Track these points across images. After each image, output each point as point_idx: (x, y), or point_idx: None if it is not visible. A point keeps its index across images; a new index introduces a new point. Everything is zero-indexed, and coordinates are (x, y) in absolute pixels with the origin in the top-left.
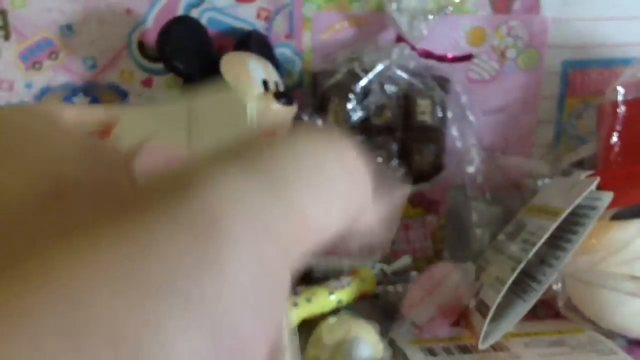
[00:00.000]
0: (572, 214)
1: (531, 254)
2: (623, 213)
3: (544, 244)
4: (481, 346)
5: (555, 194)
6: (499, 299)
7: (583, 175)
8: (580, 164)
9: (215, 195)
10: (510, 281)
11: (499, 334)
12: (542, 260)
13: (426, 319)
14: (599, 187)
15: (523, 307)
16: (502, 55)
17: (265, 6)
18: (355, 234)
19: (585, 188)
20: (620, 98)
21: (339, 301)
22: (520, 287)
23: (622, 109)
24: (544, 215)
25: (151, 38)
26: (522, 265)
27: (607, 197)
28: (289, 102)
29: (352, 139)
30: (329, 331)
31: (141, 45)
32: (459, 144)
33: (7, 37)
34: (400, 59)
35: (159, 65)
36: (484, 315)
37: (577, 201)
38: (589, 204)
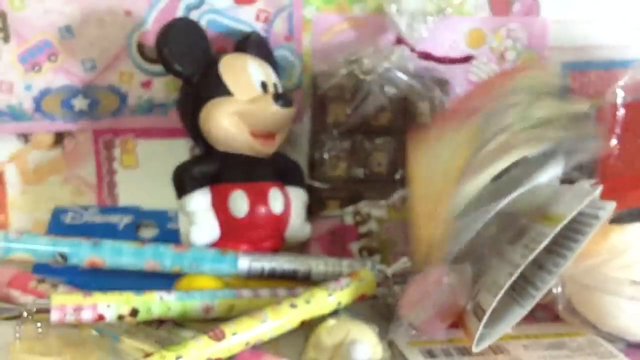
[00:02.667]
0: (574, 221)
1: (528, 260)
2: (623, 216)
3: (544, 249)
4: (474, 349)
5: (558, 201)
6: (494, 304)
7: (587, 183)
8: (579, 166)
9: None
10: (506, 286)
11: (494, 337)
12: (541, 266)
13: (423, 321)
14: (602, 192)
15: (519, 313)
16: (502, 57)
17: (264, 8)
18: None
19: (588, 196)
20: (619, 101)
21: (339, 303)
22: (518, 292)
23: (621, 112)
24: (545, 221)
25: (151, 40)
26: (519, 271)
27: (610, 206)
28: (287, 104)
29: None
30: (328, 333)
31: (141, 47)
32: None
33: (6, 39)
34: (400, 61)
35: (159, 67)
36: (480, 319)
37: (578, 209)
38: (591, 212)
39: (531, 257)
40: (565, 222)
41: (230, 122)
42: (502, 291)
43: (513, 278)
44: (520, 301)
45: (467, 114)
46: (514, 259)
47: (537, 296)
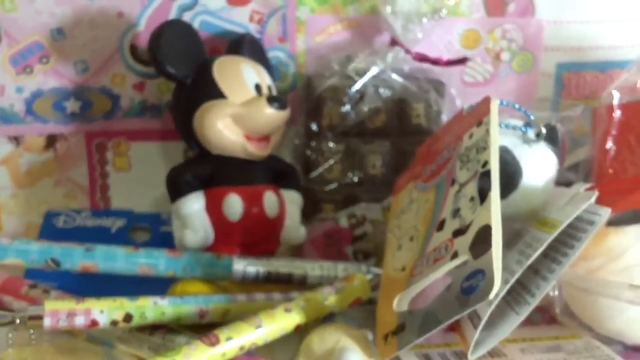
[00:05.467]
0: (569, 226)
1: (523, 268)
2: (620, 218)
3: (540, 254)
4: (471, 357)
5: (553, 205)
6: (490, 311)
7: (582, 187)
8: (575, 167)
9: None
10: (502, 294)
11: (489, 345)
12: (536, 271)
13: None
14: (598, 194)
15: (515, 320)
16: (497, 58)
17: (258, 9)
18: None
19: (584, 202)
20: (615, 102)
21: (333, 307)
22: (513, 297)
23: (617, 113)
24: (541, 226)
25: (143, 41)
26: (514, 279)
27: (605, 212)
28: (282, 106)
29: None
30: (319, 339)
31: (133, 49)
32: None
33: None
34: (395, 62)
35: (152, 69)
36: (475, 326)
37: (574, 215)
38: (587, 217)
39: (526, 265)
40: (560, 229)
41: (224, 125)
42: (497, 300)
43: (508, 286)
44: (516, 308)
45: (430, 157)
46: (509, 264)
47: (534, 303)
